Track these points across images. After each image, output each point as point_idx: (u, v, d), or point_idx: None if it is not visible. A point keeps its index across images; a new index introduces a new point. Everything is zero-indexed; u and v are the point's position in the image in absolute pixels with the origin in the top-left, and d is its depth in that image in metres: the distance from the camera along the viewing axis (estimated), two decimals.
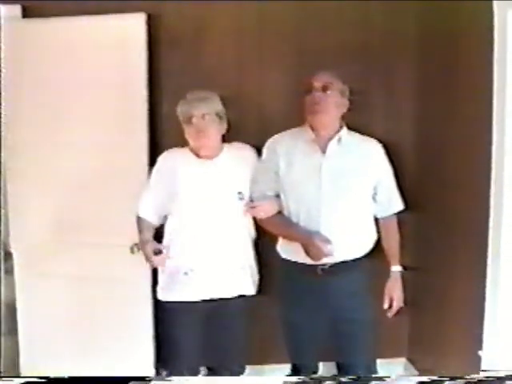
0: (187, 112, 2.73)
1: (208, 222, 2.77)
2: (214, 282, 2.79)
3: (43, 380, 2.12)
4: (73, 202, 3.24)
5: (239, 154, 2.87)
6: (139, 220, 2.91)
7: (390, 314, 2.85)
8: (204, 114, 2.71)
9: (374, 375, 2.84)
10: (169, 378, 2.42)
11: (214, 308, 2.80)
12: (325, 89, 2.63)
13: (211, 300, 2.80)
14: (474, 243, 2.54)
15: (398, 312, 2.87)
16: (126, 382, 2.17)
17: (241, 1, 3.16)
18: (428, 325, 3.24)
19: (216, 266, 2.79)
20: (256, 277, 2.95)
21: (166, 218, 2.89)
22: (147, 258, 2.77)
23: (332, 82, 2.65)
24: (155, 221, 2.89)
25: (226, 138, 2.88)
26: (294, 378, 2.34)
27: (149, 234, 2.86)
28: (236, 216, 2.82)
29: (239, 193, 2.80)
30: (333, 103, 2.66)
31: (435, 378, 2.14)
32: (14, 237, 3.38)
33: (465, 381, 2.12)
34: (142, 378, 2.32)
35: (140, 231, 2.90)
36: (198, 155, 2.82)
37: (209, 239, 2.77)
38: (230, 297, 2.82)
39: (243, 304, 2.87)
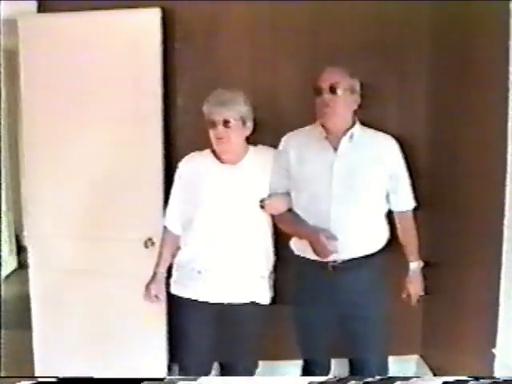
0: (209, 116, 2.68)
1: (228, 227, 2.74)
2: (227, 285, 2.76)
3: (55, 380, 2.11)
4: (87, 197, 3.27)
5: (263, 159, 2.79)
6: (163, 231, 2.93)
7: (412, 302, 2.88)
8: (226, 121, 2.66)
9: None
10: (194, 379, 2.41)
11: (226, 309, 2.78)
12: (333, 90, 2.60)
13: (221, 304, 2.78)
14: (488, 240, 2.52)
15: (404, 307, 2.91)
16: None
17: None
18: (441, 322, 3.23)
19: (232, 271, 2.75)
20: (272, 285, 2.90)
21: (189, 224, 2.83)
22: (146, 293, 2.83)
23: (339, 81, 2.61)
24: (179, 230, 2.88)
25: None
26: (322, 378, 2.31)
27: (166, 260, 2.88)
28: (257, 223, 2.80)
29: (261, 201, 2.76)
30: (342, 103, 2.63)
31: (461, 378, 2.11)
32: (29, 231, 3.40)
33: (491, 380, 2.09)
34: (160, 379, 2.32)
35: (161, 245, 2.93)
36: (220, 159, 2.79)
37: (227, 243, 2.74)
38: (241, 302, 2.78)
39: (255, 310, 2.82)
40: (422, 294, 2.89)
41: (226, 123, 2.66)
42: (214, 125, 2.67)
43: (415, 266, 2.86)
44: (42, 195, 3.32)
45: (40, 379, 2.13)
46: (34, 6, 3.24)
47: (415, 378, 2.22)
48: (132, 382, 2.07)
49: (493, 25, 2.50)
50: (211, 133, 2.70)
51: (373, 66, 3.15)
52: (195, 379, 2.22)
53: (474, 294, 2.74)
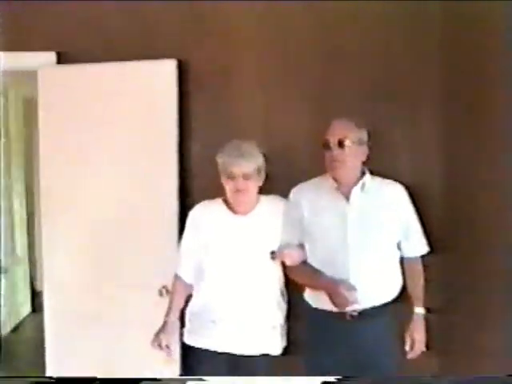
0: (227, 168, 2.70)
1: (239, 277, 2.75)
2: (239, 336, 2.76)
3: (52, 380, 2.12)
4: (103, 244, 3.30)
5: (274, 209, 2.81)
6: (175, 279, 2.93)
7: (410, 356, 2.80)
8: (246, 173, 2.69)
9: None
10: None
11: (238, 359, 2.77)
12: (341, 144, 2.62)
13: (235, 354, 2.77)
14: (502, 289, 2.51)
15: (420, 356, 2.82)
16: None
17: (265, 44, 3.25)
18: (456, 372, 3.18)
19: (243, 321, 2.76)
20: (285, 336, 2.90)
21: (201, 273, 2.85)
22: (155, 341, 2.78)
23: (347, 135, 2.63)
24: (191, 278, 2.88)
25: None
26: (333, 378, 2.29)
27: (177, 308, 2.87)
28: (269, 274, 2.81)
29: (272, 252, 2.77)
30: (351, 156, 2.65)
31: None
32: (45, 277, 3.43)
33: None
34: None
35: (172, 293, 2.92)
36: (232, 209, 2.81)
37: (240, 294, 2.75)
38: (253, 354, 2.77)
39: (267, 360, 2.80)
40: (424, 348, 2.81)
41: (245, 176, 2.68)
42: (232, 177, 2.70)
43: (421, 311, 2.81)
44: (58, 242, 3.36)
45: (36, 379, 2.14)
46: (53, 57, 3.34)
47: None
48: (131, 381, 2.06)
49: (503, 70, 2.53)
50: (229, 184, 2.72)
51: (384, 112, 3.17)
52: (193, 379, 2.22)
53: (489, 345, 2.71)
